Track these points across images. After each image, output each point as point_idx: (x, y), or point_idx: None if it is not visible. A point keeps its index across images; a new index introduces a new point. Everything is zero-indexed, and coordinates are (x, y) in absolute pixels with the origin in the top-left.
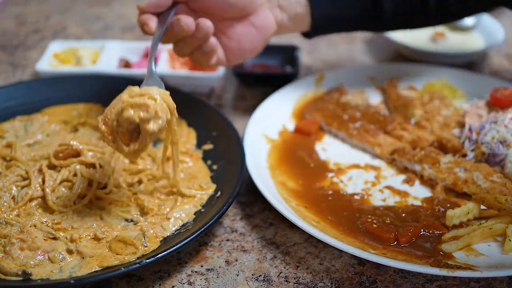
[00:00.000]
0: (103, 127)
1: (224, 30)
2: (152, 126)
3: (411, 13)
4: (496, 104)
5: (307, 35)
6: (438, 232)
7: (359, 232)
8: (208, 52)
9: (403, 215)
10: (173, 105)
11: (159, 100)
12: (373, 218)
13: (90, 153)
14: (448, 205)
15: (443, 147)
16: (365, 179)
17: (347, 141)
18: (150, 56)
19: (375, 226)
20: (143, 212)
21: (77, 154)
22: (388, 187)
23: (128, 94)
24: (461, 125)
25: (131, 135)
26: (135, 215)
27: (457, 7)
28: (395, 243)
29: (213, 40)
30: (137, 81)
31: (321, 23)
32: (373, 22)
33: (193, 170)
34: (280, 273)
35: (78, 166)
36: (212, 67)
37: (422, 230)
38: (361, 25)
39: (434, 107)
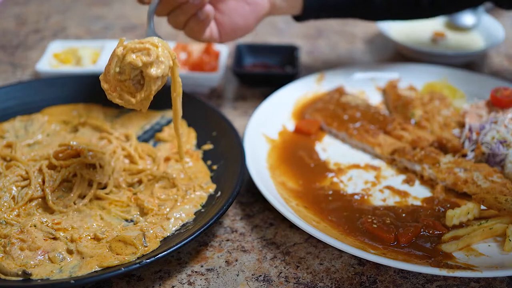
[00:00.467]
0: (105, 85)
1: (217, 4)
2: (155, 70)
3: (403, 5)
4: (496, 104)
5: (299, 18)
6: (438, 232)
7: (359, 232)
8: (203, 20)
9: (403, 215)
10: (174, 53)
11: (160, 46)
12: (373, 218)
13: (90, 153)
14: (448, 205)
15: (443, 147)
16: (365, 179)
17: (347, 141)
18: (148, 22)
19: (375, 226)
20: (143, 212)
21: (77, 154)
22: (388, 187)
23: (124, 45)
24: (461, 125)
25: (135, 87)
26: (135, 215)
27: (448, 1)
28: (395, 243)
29: (208, 7)
30: None
31: (312, 7)
32: (364, 11)
33: (193, 170)
34: (280, 273)
35: (78, 167)
36: (205, 41)
37: (422, 230)
38: (352, 13)
39: (434, 107)
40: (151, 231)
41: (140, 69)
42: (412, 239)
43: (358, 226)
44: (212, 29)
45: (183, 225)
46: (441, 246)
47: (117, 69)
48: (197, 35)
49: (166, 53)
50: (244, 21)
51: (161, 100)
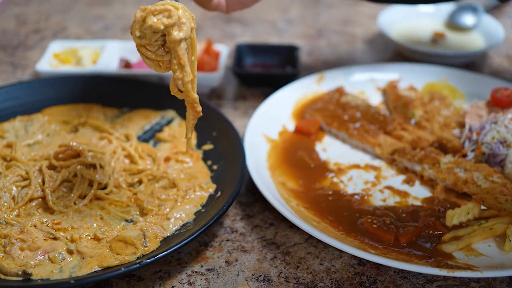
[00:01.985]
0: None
1: None
2: (178, 33)
3: None
4: (496, 105)
5: None
6: (438, 232)
7: (359, 232)
8: None
9: (403, 215)
10: (193, 14)
11: (180, 8)
12: (373, 218)
13: (90, 154)
14: (448, 205)
15: (443, 147)
16: (365, 179)
17: (347, 141)
18: None
19: (375, 226)
20: (143, 212)
21: (77, 155)
22: (388, 187)
23: (143, 7)
24: (461, 125)
25: (160, 53)
26: (134, 215)
27: None
28: (395, 243)
29: None
30: (138, 81)
31: None
32: None
33: (193, 170)
34: (280, 273)
35: (78, 167)
36: (211, 9)
37: (422, 230)
38: None
39: (434, 108)
40: (151, 231)
41: (161, 33)
42: (412, 239)
43: (358, 226)
44: None
45: (183, 225)
46: (441, 246)
47: (137, 33)
48: (205, 2)
49: (187, 14)
50: None
51: (162, 100)
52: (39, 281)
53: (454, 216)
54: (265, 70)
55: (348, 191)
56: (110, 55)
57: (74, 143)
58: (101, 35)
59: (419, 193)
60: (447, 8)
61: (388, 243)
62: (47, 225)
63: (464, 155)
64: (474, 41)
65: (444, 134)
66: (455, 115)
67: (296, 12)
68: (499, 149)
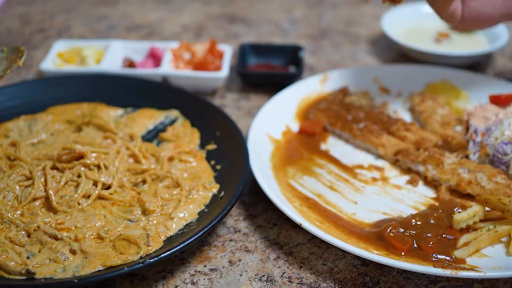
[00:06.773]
0: None
1: None
2: None
3: None
4: (495, 102)
5: None
6: (451, 236)
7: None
8: None
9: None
10: None
11: None
12: (391, 227)
13: (93, 155)
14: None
15: (448, 145)
16: None
17: (351, 142)
18: None
19: (392, 235)
20: (145, 213)
21: (80, 156)
22: None
23: None
24: (462, 123)
25: None
26: (137, 215)
27: None
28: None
29: None
30: (142, 81)
31: None
32: None
33: (196, 170)
34: (284, 273)
35: (82, 168)
36: (446, 18)
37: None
38: None
39: (428, 107)
40: (155, 231)
41: None
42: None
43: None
44: (457, 6)
45: (187, 225)
46: (454, 252)
47: None
48: (441, 9)
49: None
50: (491, 10)
51: (165, 100)
52: (43, 280)
53: (461, 220)
54: (268, 70)
55: None
56: (114, 54)
57: (77, 146)
58: (105, 35)
59: (422, 193)
60: None
61: (399, 252)
62: (50, 225)
63: (467, 156)
64: (479, 42)
65: (448, 131)
66: (452, 114)
67: (300, 12)
68: (503, 149)
